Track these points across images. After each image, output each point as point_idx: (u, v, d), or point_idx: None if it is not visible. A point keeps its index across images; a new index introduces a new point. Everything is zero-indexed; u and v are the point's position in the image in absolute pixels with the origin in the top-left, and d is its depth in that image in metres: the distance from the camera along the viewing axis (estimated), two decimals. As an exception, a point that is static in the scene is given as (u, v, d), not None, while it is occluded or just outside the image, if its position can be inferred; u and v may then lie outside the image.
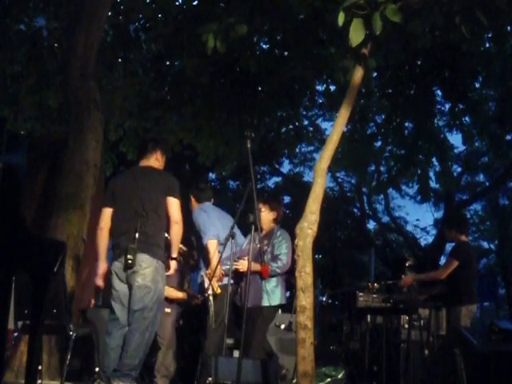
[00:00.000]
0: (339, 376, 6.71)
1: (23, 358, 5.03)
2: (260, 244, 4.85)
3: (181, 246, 4.86)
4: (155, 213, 4.41)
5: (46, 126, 8.20)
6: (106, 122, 6.82)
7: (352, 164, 9.62)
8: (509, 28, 6.54)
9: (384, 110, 8.55)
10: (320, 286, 14.77)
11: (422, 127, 8.04)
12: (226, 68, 7.21)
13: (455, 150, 11.59)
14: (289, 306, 6.04)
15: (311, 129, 11.64)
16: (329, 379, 6.62)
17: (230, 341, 5.05)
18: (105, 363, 4.31)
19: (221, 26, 5.19)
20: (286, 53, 7.10)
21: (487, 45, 7.27)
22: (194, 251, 5.54)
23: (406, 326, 6.05)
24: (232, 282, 5.02)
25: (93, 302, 6.95)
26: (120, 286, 4.39)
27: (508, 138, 8.32)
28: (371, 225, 19.56)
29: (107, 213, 4.56)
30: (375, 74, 7.75)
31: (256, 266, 4.80)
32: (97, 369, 4.99)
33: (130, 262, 4.24)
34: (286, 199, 18.56)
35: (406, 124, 8.44)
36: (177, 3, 7.63)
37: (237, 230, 4.95)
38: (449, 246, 12.49)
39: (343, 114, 4.12)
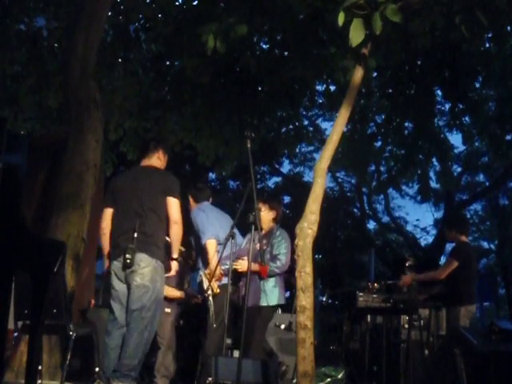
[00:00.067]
0: (339, 376, 6.71)
1: (23, 358, 5.03)
2: (260, 244, 4.85)
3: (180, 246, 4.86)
4: (154, 213, 4.40)
5: (46, 126, 8.20)
6: (106, 121, 6.83)
7: (352, 164, 9.64)
8: (509, 28, 6.54)
9: (384, 109, 8.56)
10: (320, 286, 14.76)
11: (422, 127, 8.04)
12: (226, 68, 7.22)
13: (455, 150, 11.59)
14: (289, 306, 6.04)
15: (311, 129, 11.66)
16: (329, 379, 6.62)
17: (228, 341, 5.05)
18: (104, 363, 4.31)
19: (221, 26, 5.19)
20: (286, 53, 7.10)
21: (487, 45, 7.28)
22: (193, 251, 5.54)
23: (406, 326, 6.05)
24: (230, 281, 5.02)
25: (93, 302, 6.95)
26: (119, 286, 4.39)
27: (508, 137, 8.32)
28: (371, 225, 19.59)
29: (108, 213, 4.56)
30: (375, 74, 7.75)
31: (255, 266, 4.80)
32: (97, 369, 4.99)
33: (128, 261, 4.24)
34: (286, 199, 18.57)
35: (406, 124, 8.45)
36: (177, 3, 7.64)
37: (235, 230, 4.95)
38: (449, 246, 12.49)
39: (343, 114, 4.12)
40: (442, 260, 14.84)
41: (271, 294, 5.12)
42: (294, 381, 5.37)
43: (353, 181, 18.04)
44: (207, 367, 4.83)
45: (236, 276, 4.98)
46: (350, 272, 19.11)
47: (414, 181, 9.50)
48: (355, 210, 18.87)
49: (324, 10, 5.26)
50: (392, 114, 8.20)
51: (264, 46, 7.45)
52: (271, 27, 6.64)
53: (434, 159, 8.99)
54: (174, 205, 4.44)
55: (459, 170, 16.27)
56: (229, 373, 4.07)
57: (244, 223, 4.98)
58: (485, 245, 19.80)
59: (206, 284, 4.85)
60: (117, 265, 4.37)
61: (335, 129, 4.12)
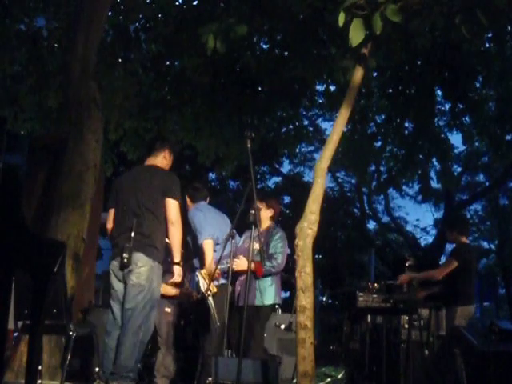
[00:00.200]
0: (339, 376, 6.72)
1: (23, 358, 5.02)
2: (259, 243, 4.86)
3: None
4: (152, 214, 4.39)
5: (46, 126, 8.20)
6: (106, 121, 6.83)
7: (352, 164, 9.63)
8: (509, 28, 6.54)
9: (384, 110, 8.55)
10: (320, 286, 14.75)
11: (422, 127, 8.04)
12: (226, 68, 7.22)
13: (455, 150, 11.59)
14: (289, 306, 6.04)
15: (311, 129, 11.66)
16: (329, 379, 6.63)
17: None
18: (104, 363, 4.31)
19: (221, 26, 5.19)
20: (286, 53, 7.11)
21: (487, 45, 7.27)
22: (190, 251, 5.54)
23: (406, 326, 6.05)
24: (225, 281, 5.02)
25: (93, 302, 6.95)
26: (118, 285, 4.39)
27: (508, 137, 8.31)
28: (371, 225, 19.59)
29: (112, 213, 4.58)
30: (375, 74, 7.75)
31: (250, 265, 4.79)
32: (97, 369, 4.99)
33: (125, 260, 4.24)
34: (286, 199, 18.59)
35: (406, 124, 8.45)
36: (177, 3, 7.64)
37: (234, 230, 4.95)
38: (449, 247, 12.50)
39: (343, 114, 4.13)
40: (442, 260, 14.84)
41: (267, 293, 5.12)
42: (294, 381, 5.37)
43: (353, 181, 18.05)
44: (207, 367, 4.83)
45: (233, 275, 4.97)
46: (350, 272, 19.11)
47: (414, 181, 9.49)
48: (355, 210, 18.88)
49: (324, 10, 5.27)
50: (392, 114, 8.20)
51: (264, 46, 7.46)
52: (271, 27, 6.64)
53: (434, 159, 8.98)
54: (172, 206, 4.42)
55: (459, 170, 16.28)
56: (229, 373, 4.07)
57: (242, 223, 4.99)
58: (485, 245, 19.81)
59: (202, 283, 4.84)
60: (115, 264, 4.38)
61: (335, 129, 4.12)
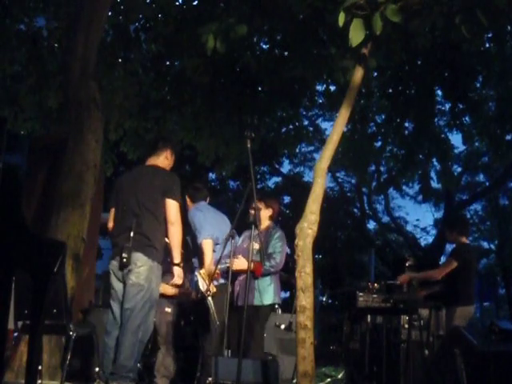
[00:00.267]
0: (339, 376, 6.72)
1: (23, 358, 5.02)
2: (260, 243, 4.86)
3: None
4: (152, 214, 4.38)
5: (46, 126, 8.20)
6: (106, 121, 6.82)
7: (352, 164, 9.63)
8: (509, 28, 6.54)
9: (384, 110, 8.56)
10: (320, 286, 14.75)
11: (422, 127, 8.04)
12: (226, 68, 7.21)
13: (455, 150, 11.58)
14: (289, 306, 6.04)
15: (311, 129, 11.66)
16: (329, 379, 6.63)
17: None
18: (104, 363, 4.31)
19: (221, 26, 5.19)
20: (286, 53, 7.10)
21: (487, 45, 7.28)
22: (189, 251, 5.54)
23: (406, 326, 6.05)
24: (224, 281, 5.03)
25: (93, 302, 6.95)
26: (117, 285, 4.39)
27: (508, 137, 8.31)
28: (371, 225, 19.59)
29: (112, 213, 4.57)
30: (375, 74, 7.75)
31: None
32: (97, 369, 4.99)
33: (125, 260, 4.24)
34: (286, 199, 18.60)
35: (407, 124, 8.45)
36: (177, 3, 7.64)
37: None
38: (449, 247, 12.50)
39: (343, 114, 4.13)
40: (442, 260, 14.84)
41: (266, 293, 5.12)
42: (294, 381, 5.37)
43: (353, 181, 18.05)
44: (207, 367, 4.83)
45: (232, 275, 4.97)
46: (350, 272, 19.10)
47: (414, 181, 9.50)
48: (355, 210, 18.88)
49: (324, 10, 5.26)
50: (392, 114, 8.20)
51: (264, 46, 7.46)
52: (271, 27, 6.64)
53: (434, 159, 8.98)
54: (172, 206, 4.41)
55: (459, 170, 16.27)
56: (229, 373, 4.07)
57: (242, 223, 4.99)
58: (485, 245, 19.80)
59: (201, 283, 4.84)
60: (114, 264, 4.38)
61: (335, 129, 4.12)
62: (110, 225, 4.58)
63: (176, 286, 4.66)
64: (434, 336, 5.95)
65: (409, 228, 20.01)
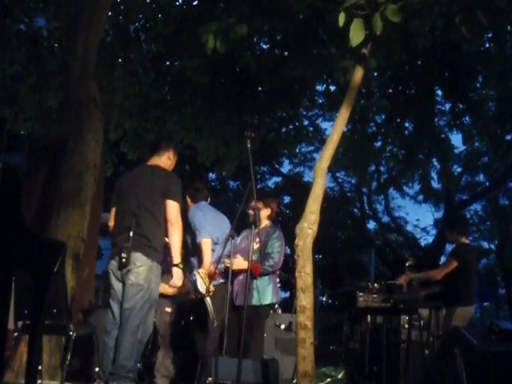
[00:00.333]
0: (339, 376, 6.72)
1: (23, 358, 5.02)
2: (260, 243, 4.86)
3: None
4: (151, 214, 4.37)
5: (46, 126, 8.20)
6: (106, 121, 6.82)
7: (352, 164, 9.63)
8: (509, 28, 6.54)
9: (384, 110, 8.56)
10: (320, 286, 14.76)
11: (422, 127, 8.04)
12: (226, 68, 7.21)
13: (455, 150, 11.59)
14: (289, 306, 6.04)
15: (311, 129, 11.66)
16: (329, 379, 6.63)
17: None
18: (104, 363, 4.31)
19: (221, 26, 5.19)
20: (286, 53, 7.10)
21: (487, 45, 7.28)
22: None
23: (406, 326, 6.05)
24: (223, 281, 5.03)
25: (93, 302, 6.95)
26: (117, 285, 4.39)
27: (508, 137, 8.32)
28: (371, 225, 19.58)
29: (113, 211, 4.57)
30: (375, 74, 7.75)
31: (247, 264, 4.79)
32: (97, 369, 4.99)
33: (124, 260, 4.23)
34: (286, 199, 18.60)
35: (407, 124, 8.45)
36: (177, 3, 7.64)
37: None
38: (449, 247, 12.48)
39: (343, 114, 4.13)
40: (442, 260, 14.84)
41: (264, 292, 5.12)
42: (294, 381, 5.38)
43: (353, 181, 18.05)
44: (207, 367, 4.83)
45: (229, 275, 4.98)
46: (350, 272, 19.11)
47: (414, 181, 9.50)
48: (355, 210, 18.88)
49: (324, 10, 5.26)
50: (392, 114, 8.20)
51: (264, 46, 7.46)
52: (271, 27, 6.64)
53: (434, 159, 8.98)
54: (172, 207, 4.40)
55: (459, 170, 16.27)
56: (229, 373, 4.08)
57: (242, 223, 4.99)
58: (485, 245, 19.79)
59: (200, 283, 4.84)
60: (114, 264, 4.38)
61: (335, 129, 4.12)
62: (111, 224, 4.58)
63: (175, 287, 4.65)
64: (433, 336, 5.95)
65: (409, 228, 20.03)
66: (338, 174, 17.80)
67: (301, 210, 4.02)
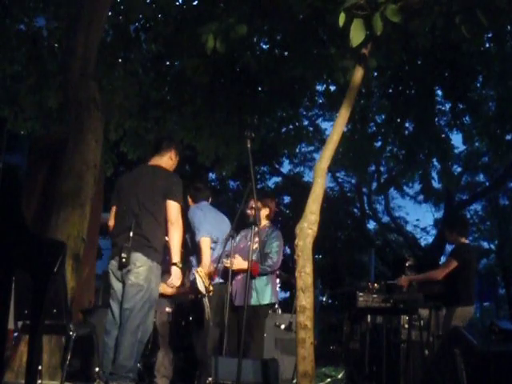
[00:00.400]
0: (339, 376, 6.72)
1: (23, 358, 5.03)
2: (259, 242, 4.86)
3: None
4: (151, 215, 4.37)
5: (46, 126, 8.20)
6: (106, 122, 6.82)
7: (352, 164, 9.62)
8: (509, 28, 6.54)
9: (384, 109, 8.55)
10: (320, 286, 14.76)
11: (422, 127, 8.05)
12: (226, 68, 7.21)
13: (455, 150, 11.59)
14: (289, 306, 6.04)
15: (311, 129, 11.64)
16: (329, 379, 6.63)
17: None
18: (103, 363, 4.30)
19: (221, 25, 5.19)
20: (286, 53, 7.10)
21: (487, 45, 7.28)
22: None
23: (406, 326, 6.05)
24: (222, 280, 5.03)
25: (93, 302, 6.95)
26: (116, 285, 4.38)
27: (508, 137, 8.32)
28: (371, 225, 19.60)
29: (113, 211, 4.57)
30: (375, 74, 7.75)
31: (246, 264, 4.79)
32: (97, 369, 4.99)
33: (124, 260, 4.23)
34: (286, 199, 18.61)
35: (407, 124, 8.45)
36: (177, 3, 7.64)
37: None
38: (449, 247, 12.48)
39: (343, 114, 4.13)
40: (442, 260, 14.84)
41: (263, 292, 5.12)
42: (294, 381, 5.38)
43: (353, 181, 18.06)
44: (207, 367, 4.83)
45: (227, 275, 4.97)
46: (350, 272, 19.12)
47: (414, 181, 9.50)
48: (355, 210, 18.89)
49: (324, 10, 5.26)
50: (392, 114, 8.20)
51: (264, 46, 7.46)
52: (271, 27, 6.64)
53: (434, 159, 8.98)
54: (173, 208, 4.40)
55: (459, 170, 16.27)
56: (229, 373, 4.08)
57: (242, 223, 4.99)
58: (485, 245, 19.80)
59: (199, 282, 4.84)
60: (114, 264, 4.37)
61: (335, 129, 4.12)
62: (111, 223, 4.58)
63: (174, 286, 4.65)
64: (434, 336, 5.95)
65: (409, 228, 20.04)
66: (338, 174, 17.82)
67: (301, 210, 4.02)
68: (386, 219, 19.12)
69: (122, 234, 4.36)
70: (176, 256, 4.41)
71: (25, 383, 3.13)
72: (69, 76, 6.17)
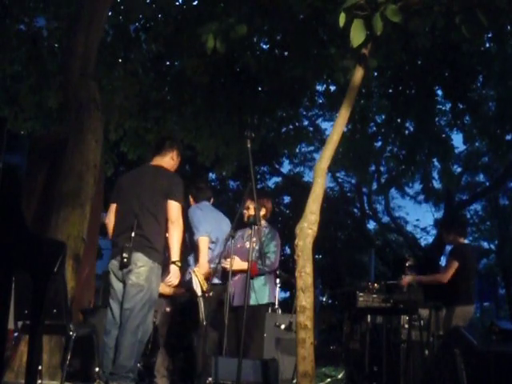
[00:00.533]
0: (339, 376, 6.72)
1: (23, 358, 5.03)
2: (259, 242, 4.85)
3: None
4: (152, 215, 4.36)
5: (46, 126, 8.20)
6: (106, 122, 6.82)
7: (352, 164, 9.62)
8: (509, 28, 6.55)
9: (384, 109, 8.55)
10: (320, 286, 14.77)
11: (422, 127, 8.05)
12: (226, 68, 7.22)
13: (455, 150, 11.60)
14: (289, 306, 6.04)
15: (311, 129, 11.67)
16: (329, 379, 6.63)
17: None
18: (103, 363, 4.30)
19: (221, 25, 5.20)
20: (286, 53, 7.11)
21: (487, 45, 7.28)
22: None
23: (406, 326, 6.05)
24: (218, 281, 5.02)
25: (93, 302, 6.95)
26: (117, 285, 4.38)
27: (508, 137, 8.32)
28: (371, 225, 19.60)
29: (112, 208, 4.56)
30: (375, 74, 7.75)
31: (244, 265, 4.79)
32: (97, 369, 4.99)
33: (125, 260, 4.23)
34: (286, 199, 18.63)
35: (407, 124, 8.45)
36: (177, 3, 7.64)
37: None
38: (449, 247, 12.48)
39: (343, 114, 4.13)
40: (442, 260, 14.85)
41: (261, 292, 5.12)
42: (294, 381, 5.37)
43: (353, 181, 18.06)
44: (207, 367, 4.83)
45: (225, 275, 4.97)
46: (350, 272, 19.13)
47: (414, 181, 9.51)
48: (355, 210, 18.89)
49: (324, 10, 5.27)
50: (392, 114, 8.20)
51: (264, 46, 7.46)
52: (271, 27, 6.65)
53: (434, 159, 8.98)
54: (174, 208, 4.39)
55: (459, 170, 16.28)
56: (229, 373, 4.08)
57: (242, 223, 4.98)
58: (485, 245, 19.82)
59: (195, 282, 4.83)
60: (115, 264, 4.37)
61: (335, 129, 4.12)
62: (107, 220, 4.56)
63: (172, 285, 4.64)
64: (434, 336, 5.95)
65: (409, 228, 20.06)
66: (338, 174, 17.81)
67: (301, 210, 4.01)
68: (386, 219, 19.13)
69: (122, 234, 4.36)
70: (175, 254, 4.41)
71: (25, 383, 3.13)
72: (69, 76, 6.17)
